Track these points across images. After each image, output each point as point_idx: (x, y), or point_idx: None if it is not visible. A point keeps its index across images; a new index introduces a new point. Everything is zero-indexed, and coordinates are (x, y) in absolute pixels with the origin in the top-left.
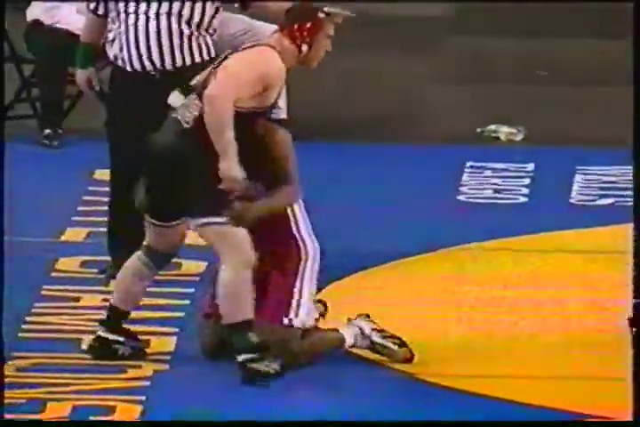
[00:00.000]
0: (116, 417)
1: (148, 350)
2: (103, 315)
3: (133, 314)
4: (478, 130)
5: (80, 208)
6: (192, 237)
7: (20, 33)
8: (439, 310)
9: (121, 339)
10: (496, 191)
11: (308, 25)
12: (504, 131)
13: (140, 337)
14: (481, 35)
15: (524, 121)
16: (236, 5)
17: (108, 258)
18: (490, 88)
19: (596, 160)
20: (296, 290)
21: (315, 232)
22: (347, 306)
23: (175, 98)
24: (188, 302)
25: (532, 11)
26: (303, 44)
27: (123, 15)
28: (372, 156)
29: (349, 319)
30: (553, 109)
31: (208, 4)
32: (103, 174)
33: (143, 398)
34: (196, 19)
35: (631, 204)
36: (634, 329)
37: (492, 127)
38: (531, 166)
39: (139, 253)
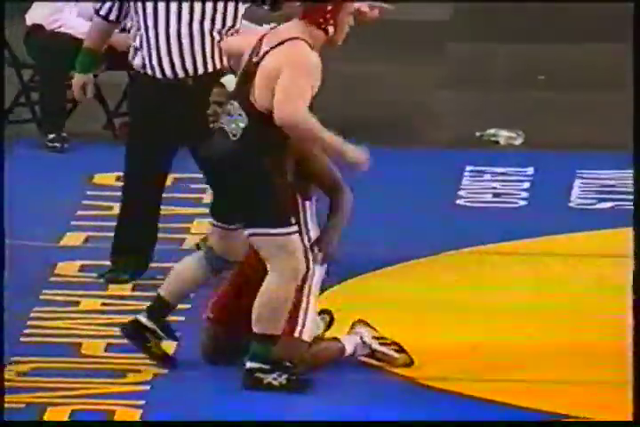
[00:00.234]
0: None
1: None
2: (102, 319)
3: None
4: (478, 134)
5: (79, 212)
6: (190, 242)
7: (18, 37)
8: (439, 314)
9: (157, 329)
10: (495, 195)
11: (329, 7)
12: (503, 135)
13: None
14: (482, 40)
15: (523, 125)
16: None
17: (107, 262)
18: (490, 92)
19: (596, 164)
20: (303, 304)
21: None
22: (347, 311)
23: (229, 80)
24: (187, 305)
25: (533, 16)
26: (329, 26)
27: (151, 22)
28: (374, 158)
29: (352, 326)
30: (552, 114)
31: (239, 9)
32: (102, 178)
33: (142, 402)
34: (229, 23)
35: (631, 207)
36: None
37: (492, 131)
38: (530, 170)
39: (201, 252)
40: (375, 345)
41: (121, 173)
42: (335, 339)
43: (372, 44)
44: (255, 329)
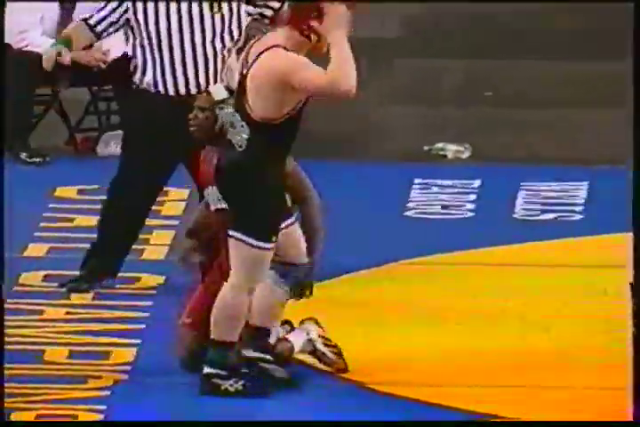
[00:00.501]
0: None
1: (108, 361)
2: (66, 327)
3: (94, 326)
4: (426, 148)
5: (42, 224)
6: (148, 253)
7: None
8: (386, 321)
9: (268, 357)
10: (443, 207)
11: (312, 14)
12: (451, 149)
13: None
14: (430, 56)
15: (470, 140)
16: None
17: (70, 272)
18: (438, 108)
19: (539, 177)
20: None
21: None
22: (296, 319)
23: (219, 90)
24: (146, 314)
25: (481, 32)
26: (312, 33)
27: (165, 41)
28: (324, 172)
29: (302, 322)
30: (499, 129)
31: (242, 26)
32: (64, 191)
33: (104, 407)
34: (236, 42)
35: (573, 218)
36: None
37: (440, 145)
38: (476, 183)
39: (271, 272)
40: (319, 344)
41: (83, 187)
42: (285, 339)
43: (322, 61)
44: (212, 335)
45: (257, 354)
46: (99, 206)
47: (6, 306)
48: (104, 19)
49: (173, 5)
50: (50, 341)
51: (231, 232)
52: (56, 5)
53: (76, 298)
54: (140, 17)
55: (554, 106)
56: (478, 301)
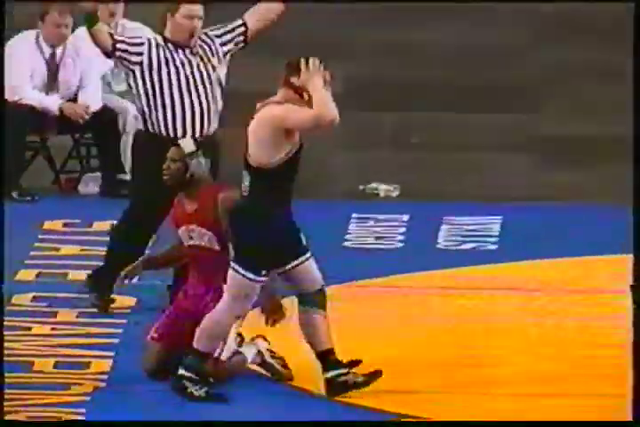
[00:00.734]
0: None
1: (88, 371)
2: (52, 341)
3: (76, 340)
4: (361, 187)
5: (31, 253)
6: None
7: None
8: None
9: (345, 371)
10: (377, 238)
11: (302, 76)
12: (383, 188)
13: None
14: (369, 109)
15: (399, 180)
16: None
17: (55, 294)
18: (374, 153)
19: (460, 212)
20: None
21: None
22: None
23: (188, 143)
24: (120, 330)
25: (410, 88)
26: (304, 91)
27: (176, 91)
28: None
29: (252, 338)
30: (424, 171)
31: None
32: (50, 225)
33: (84, 410)
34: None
35: (489, 248)
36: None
37: (374, 185)
38: (405, 217)
39: (300, 305)
40: (267, 357)
41: (67, 220)
42: (238, 352)
43: None
44: (195, 345)
45: (335, 372)
46: (81, 237)
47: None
48: (125, 44)
49: (177, 58)
50: (38, 353)
51: (231, 263)
52: (44, 63)
53: (60, 316)
54: (154, 61)
55: (471, 150)
56: (408, 319)
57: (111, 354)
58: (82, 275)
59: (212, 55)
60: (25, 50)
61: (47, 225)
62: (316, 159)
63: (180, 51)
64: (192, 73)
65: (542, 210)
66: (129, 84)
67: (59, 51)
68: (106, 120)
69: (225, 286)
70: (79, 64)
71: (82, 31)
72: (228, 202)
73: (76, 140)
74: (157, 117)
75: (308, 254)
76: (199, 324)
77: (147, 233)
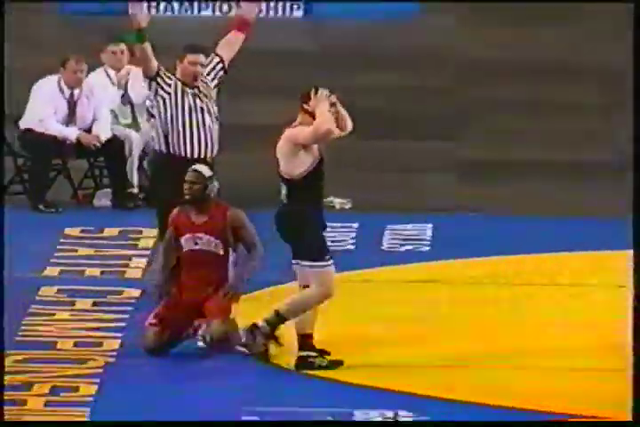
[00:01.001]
0: (79, 393)
1: (101, 348)
2: (71, 325)
3: (91, 324)
4: None
5: (55, 254)
6: (129, 274)
7: (12, 138)
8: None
9: (314, 354)
10: (333, 241)
11: (311, 103)
12: (338, 201)
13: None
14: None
15: (351, 195)
16: None
17: (74, 287)
18: (331, 173)
19: (399, 221)
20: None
21: None
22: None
23: (205, 169)
24: (127, 316)
25: (361, 120)
26: (312, 116)
27: (187, 117)
28: (258, 220)
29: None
30: (370, 188)
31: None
32: (70, 231)
33: (98, 380)
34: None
35: (423, 249)
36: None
37: (330, 199)
38: (356, 225)
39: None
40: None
41: (83, 228)
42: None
43: (247, 144)
44: (280, 309)
45: (306, 353)
46: (95, 241)
47: (29, 310)
48: (164, 74)
49: (188, 93)
50: (60, 334)
51: (302, 262)
52: (64, 102)
53: (78, 304)
54: (178, 93)
55: (408, 171)
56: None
57: (120, 335)
58: (96, 271)
59: (209, 91)
60: (49, 91)
61: (67, 231)
62: (276, 179)
63: (187, 88)
64: (200, 105)
65: (465, 218)
66: (150, 112)
67: (76, 91)
68: (114, 147)
69: (311, 283)
70: (92, 102)
71: (92, 77)
72: (237, 216)
73: (90, 162)
74: (178, 140)
75: None
76: (194, 314)
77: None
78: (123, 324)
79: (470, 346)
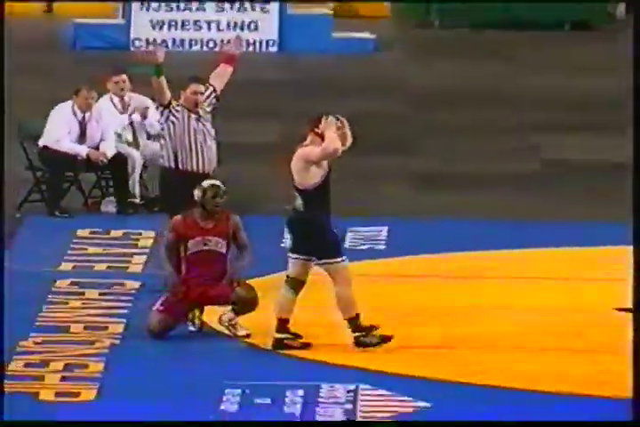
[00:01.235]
0: (89, 369)
1: (107, 332)
2: (82, 311)
3: (99, 311)
4: (286, 207)
5: (69, 252)
6: (131, 268)
7: (33, 154)
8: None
9: (290, 336)
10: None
11: (320, 126)
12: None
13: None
14: None
15: None
16: None
17: (85, 280)
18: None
19: (360, 224)
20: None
21: None
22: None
23: (217, 182)
24: (130, 304)
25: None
26: (322, 137)
27: (192, 137)
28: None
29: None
30: (335, 196)
31: None
32: (81, 233)
33: (104, 358)
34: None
35: (379, 247)
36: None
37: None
38: None
39: (285, 285)
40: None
41: (93, 230)
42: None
43: (226, 157)
44: (348, 315)
45: (282, 335)
46: (102, 241)
47: (47, 299)
48: (175, 103)
49: (192, 117)
50: (72, 319)
51: (321, 262)
52: (77, 124)
53: (87, 294)
54: (185, 118)
55: (368, 182)
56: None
57: (123, 320)
58: (103, 266)
59: (206, 116)
60: (64, 115)
61: (79, 233)
62: (259, 188)
63: (191, 113)
64: (202, 128)
65: (416, 222)
66: (161, 134)
67: (87, 115)
68: (118, 162)
69: (336, 279)
70: (101, 125)
71: (100, 102)
72: (237, 221)
73: (98, 175)
74: (185, 158)
75: None
76: (197, 304)
77: None
78: (125, 311)
79: (424, 330)
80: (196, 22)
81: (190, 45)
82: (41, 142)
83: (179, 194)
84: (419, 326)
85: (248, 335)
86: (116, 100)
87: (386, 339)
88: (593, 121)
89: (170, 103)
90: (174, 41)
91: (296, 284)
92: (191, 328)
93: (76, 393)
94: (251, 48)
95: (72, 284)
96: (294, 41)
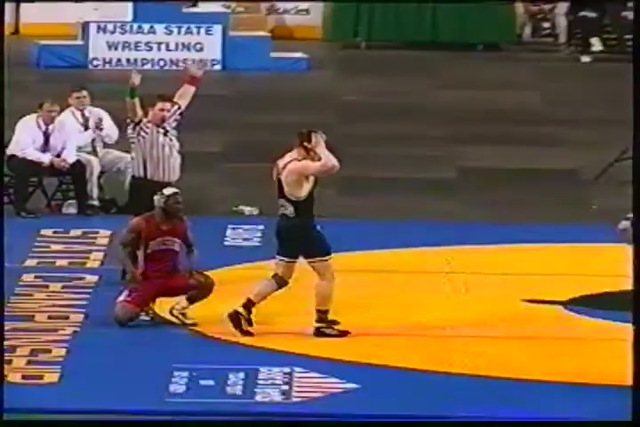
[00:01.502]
0: (52, 354)
1: (69, 320)
2: (46, 303)
3: (61, 302)
4: (233, 208)
5: (33, 249)
6: (89, 264)
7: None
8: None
9: (248, 317)
10: (244, 239)
11: (309, 142)
12: (247, 209)
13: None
14: (243, 162)
15: (259, 204)
16: None
17: (49, 274)
18: (242, 188)
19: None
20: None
21: None
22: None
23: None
24: (89, 296)
25: (268, 149)
26: (309, 151)
27: (159, 150)
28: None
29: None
30: (273, 199)
31: None
32: (45, 232)
33: (67, 345)
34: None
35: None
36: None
37: (242, 207)
38: (261, 227)
39: (270, 278)
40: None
41: (55, 229)
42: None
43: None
44: (319, 306)
45: (244, 312)
46: (63, 240)
47: (15, 292)
48: (145, 121)
49: (160, 132)
50: (37, 310)
51: (309, 260)
52: (41, 134)
53: (51, 287)
54: (154, 133)
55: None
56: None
57: (83, 310)
58: (64, 262)
59: (172, 130)
60: (29, 126)
61: (43, 232)
62: (209, 192)
63: (159, 128)
64: (168, 142)
65: (341, 222)
66: (132, 147)
67: (50, 127)
68: (78, 168)
69: (325, 275)
70: (63, 135)
71: (63, 115)
72: (188, 223)
73: (60, 180)
74: (153, 168)
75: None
76: (164, 294)
77: None
78: (85, 302)
79: (357, 316)
80: (147, 43)
81: (142, 64)
82: (8, 151)
83: (146, 199)
84: (343, 315)
85: (195, 324)
86: (78, 113)
87: (343, 333)
88: (503, 132)
89: (140, 120)
90: (128, 60)
91: (281, 282)
92: (144, 318)
93: (40, 376)
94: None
95: (36, 278)
96: (236, 60)
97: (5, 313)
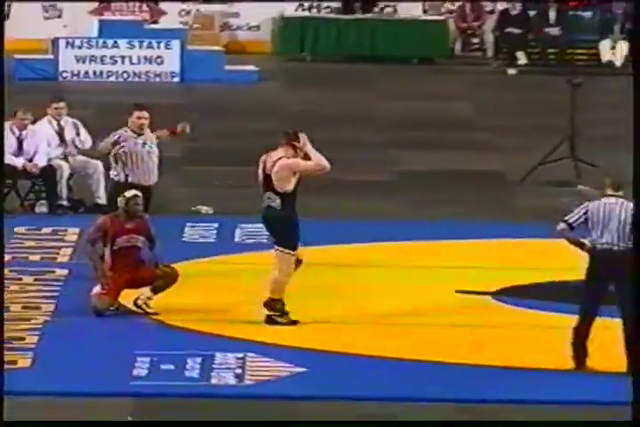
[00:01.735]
0: (26, 342)
1: (41, 310)
2: (19, 294)
3: (33, 294)
4: (193, 208)
5: (8, 245)
6: (59, 258)
7: None
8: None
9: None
10: (201, 237)
11: (297, 141)
12: (204, 208)
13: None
14: (200, 165)
15: (213, 204)
16: None
17: (22, 268)
18: (199, 190)
19: (248, 222)
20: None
21: None
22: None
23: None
24: (59, 288)
25: (233, 154)
26: (297, 149)
27: (140, 157)
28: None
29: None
30: (229, 199)
31: None
32: (19, 230)
33: (39, 333)
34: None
35: (264, 241)
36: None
37: (199, 207)
38: (216, 225)
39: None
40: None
41: (28, 227)
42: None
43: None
44: (271, 296)
45: (265, 311)
46: (36, 237)
47: None
48: (125, 132)
49: (139, 140)
50: (12, 301)
51: (277, 247)
52: (15, 140)
53: (24, 280)
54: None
55: (251, 188)
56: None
57: (54, 301)
58: (37, 257)
59: (151, 137)
60: (4, 133)
61: (16, 230)
62: (169, 193)
63: (137, 136)
64: (147, 149)
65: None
66: (112, 154)
67: (24, 133)
68: (49, 172)
69: (278, 263)
70: (35, 141)
71: (40, 123)
72: (150, 222)
73: (33, 182)
74: (133, 172)
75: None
76: (132, 285)
77: None
78: (56, 293)
79: (305, 306)
80: (111, 57)
81: (108, 76)
82: None
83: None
84: (292, 305)
85: (156, 313)
86: (54, 122)
87: (293, 323)
88: (439, 138)
89: (109, 152)
90: (95, 73)
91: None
92: (110, 308)
93: (14, 361)
94: (157, 79)
95: (11, 271)
96: (193, 73)
97: None
